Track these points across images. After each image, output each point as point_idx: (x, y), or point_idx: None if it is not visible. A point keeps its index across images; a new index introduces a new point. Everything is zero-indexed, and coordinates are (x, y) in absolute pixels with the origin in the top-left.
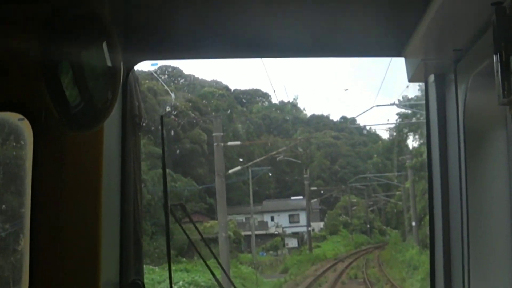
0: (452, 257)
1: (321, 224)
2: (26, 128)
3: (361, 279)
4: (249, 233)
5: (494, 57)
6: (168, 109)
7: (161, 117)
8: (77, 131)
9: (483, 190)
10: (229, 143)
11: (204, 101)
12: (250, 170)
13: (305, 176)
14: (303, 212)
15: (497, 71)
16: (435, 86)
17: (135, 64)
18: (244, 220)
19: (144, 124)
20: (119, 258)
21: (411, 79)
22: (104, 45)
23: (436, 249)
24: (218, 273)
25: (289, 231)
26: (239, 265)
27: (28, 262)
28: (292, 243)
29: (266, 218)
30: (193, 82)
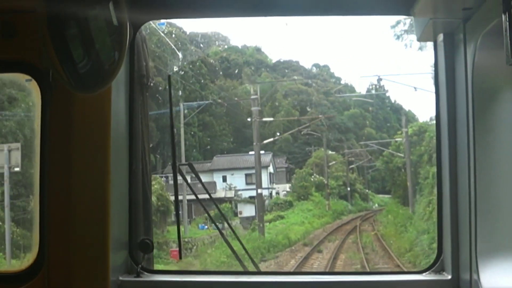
0: (459, 220)
1: (288, 187)
2: (34, 89)
3: None
4: (192, 197)
5: (503, 16)
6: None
7: (169, 76)
8: (84, 92)
9: (491, 150)
10: None
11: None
12: (181, 105)
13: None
14: (264, 171)
15: (506, 30)
16: (444, 46)
17: (142, 23)
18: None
19: (151, 84)
20: (128, 218)
21: (419, 38)
22: (111, 4)
23: (444, 212)
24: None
25: (245, 194)
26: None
27: (38, 221)
28: (248, 210)
29: (217, 177)
30: None
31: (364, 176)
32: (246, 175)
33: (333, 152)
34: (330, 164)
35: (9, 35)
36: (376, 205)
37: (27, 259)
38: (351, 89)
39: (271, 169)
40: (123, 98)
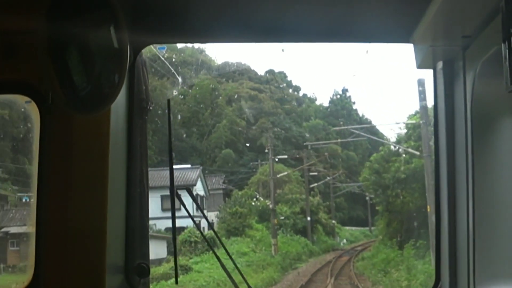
0: (457, 248)
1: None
2: (33, 110)
3: None
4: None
5: (503, 44)
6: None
7: (168, 100)
8: (83, 114)
9: (490, 178)
10: None
11: None
12: None
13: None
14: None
15: (506, 58)
16: (443, 73)
17: (143, 47)
18: None
19: (151, 108)
20: (125, 242)
21: (419, 66)
22: (112, 28)
23: (442, 240)
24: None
25: (160, 225)
26: None
27: (34, 244)
28: (159, 249)
29: None
30: None
31: (330, 199)
32: (163, 197)
33: (288, 168)
34: (279, 175)
35: (9, 56)
36: (345, 240)
37: (22, 282)
38: (312, 99)
39: (200, 190)
40: (122, 121)
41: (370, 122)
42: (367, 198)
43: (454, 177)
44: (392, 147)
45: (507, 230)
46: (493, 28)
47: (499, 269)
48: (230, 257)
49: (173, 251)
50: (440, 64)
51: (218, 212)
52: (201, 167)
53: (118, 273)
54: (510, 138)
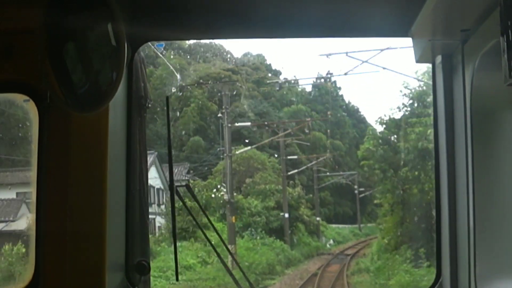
0: (458, 242)
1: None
2: (31, 109)
3: None
4: None
5: (501, 37)
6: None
7: (167, 97)
8: (82, 112)
9: (490, 171)
10: None
11: None
12: None
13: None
14: None
15: (504, 51)
16: (442, 67)
17: (141, 45)
18: None
19: (149, 105)
20: (125, 239)
21: (418, 60)
22: (109, 25)
23: (443, 235)
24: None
25: None
26: None
27: (34, 242)
28: None
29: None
30: None
31: (313, 192)
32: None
33: (264, 155)
34: (238, 152)
35: (7, 55)
36: (331, 241)
37: (22, 280)
38: (293, 83)
39: (157, 181)
40: (120, 119)
41: (357, 110)
42: (356, 191)
43: (454, 171)
44: (414, 103)
45: (508, 224)
46: (491, 22)
47: (500, 264)
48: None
49: (173, 249)
50: (439, 58)
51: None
52: (156, 153)
53: (119, 271)
54: (509, 131)
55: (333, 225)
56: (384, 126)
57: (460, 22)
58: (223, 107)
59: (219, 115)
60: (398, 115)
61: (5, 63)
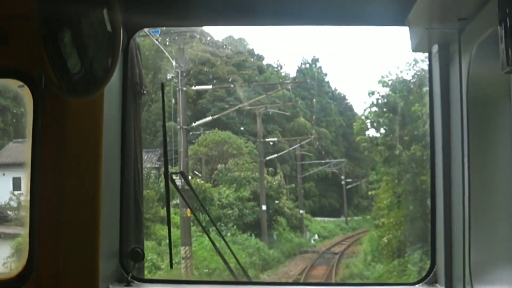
0: (453, 232)
1: None
2: (26, 95)
3: None
4: None
5: (498, 25)
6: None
7: (162, 84)
8: (77, 98)
9: (486, 160)
10: None
11: None
12: None
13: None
14: None
15: (501, 39)
16: (439, 56)
17: (136, 31)
18: None
19: (145, 92)
20: (119, 226)
21: (414, 49)
22: (105, 11)
23: (437, 224)
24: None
25: None
26: None
27: (28, 228)
28: None
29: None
30: None
31: (296, 182)
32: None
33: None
34: (197, 123)
35: (2, 41)
36: (316, 236)
37: (16, 266)
38: (276, 67)
39: None
40: (115, 105)
41: (344, 97)
42: (343, 182)
43: (449, 161)
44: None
45: (503, 213)
46: (489, 10)
47: (494, 253)
48: None
49: (168, 236)
50: (435, 47)
51: None
52: None
53: (113, 258)
54: (506, 120)
55: (318, 219)
56: (389, 88)
57: (457, 10)
58: (179, 65)
59: (172, 75)
60: (408, 75)
61: (0, 48)
